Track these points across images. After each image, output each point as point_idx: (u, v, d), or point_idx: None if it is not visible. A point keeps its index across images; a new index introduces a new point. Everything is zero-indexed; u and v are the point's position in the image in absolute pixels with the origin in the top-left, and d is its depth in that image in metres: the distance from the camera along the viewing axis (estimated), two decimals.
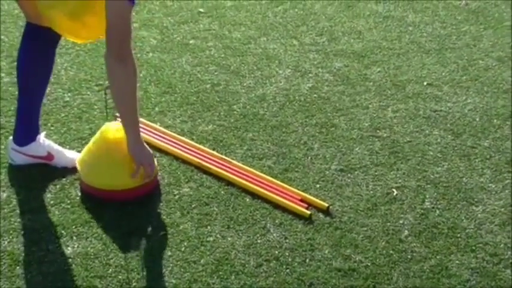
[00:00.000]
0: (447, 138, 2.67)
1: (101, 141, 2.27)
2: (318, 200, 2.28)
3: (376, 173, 2.46)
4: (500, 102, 2.94)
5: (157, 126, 2.66)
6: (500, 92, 3.03)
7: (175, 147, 2.51)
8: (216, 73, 3.13)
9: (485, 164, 2.51)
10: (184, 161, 2.47)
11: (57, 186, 2.33)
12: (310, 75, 3.14)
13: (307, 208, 2.24)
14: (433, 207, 2.28)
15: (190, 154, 2.48)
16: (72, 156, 2.40)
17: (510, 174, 2.45)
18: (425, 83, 3.10)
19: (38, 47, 2.21)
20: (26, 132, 2.30)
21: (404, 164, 2.52)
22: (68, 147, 2.51)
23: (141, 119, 2.69)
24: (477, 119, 2.81)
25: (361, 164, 2.51)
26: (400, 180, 2.43)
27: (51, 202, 2.26)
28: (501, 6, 3.98)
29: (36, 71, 2.23)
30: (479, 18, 3.81)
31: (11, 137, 2.36)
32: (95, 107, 2.79)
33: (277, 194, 2.29)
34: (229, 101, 2.90)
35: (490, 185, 2.39)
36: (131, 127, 2.14)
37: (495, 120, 2.80)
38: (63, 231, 2.15)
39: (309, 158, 2.53)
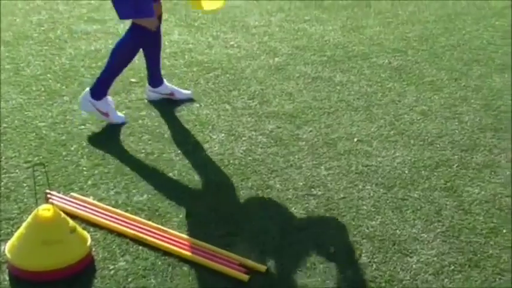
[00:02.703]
0: (379, 192, 2.74)
1: (31, 222, 2.20)
2: (256, 264, 2.26)
3: (313, 232, 2.48)
4: (427, 154, 3.06)
5: (89, 200, 2.61)
6: (426, 144, 3.16)
7: (109, 220, 2.46)
8: (149, 142, 3.12)
9: (416, 214, 2.58)
10: (119, 234, 2.42)
11: None
12: (243, 138, 3.19)
13: (246, 272, 2.22)
14: (369, 262, 2.30)
15: (125, 226, 2.43)
16: (121, 115, 3.30)
17: (440, 223, 2.52)
18: (355, 140, 3.19)
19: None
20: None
21: (340, 220, 2.55)
22: None
23: (72, 194, 2.65)
24: (406, 172, 2.90)
25: (299, 224, 2.52)
26: (337, 237, 2.45)
27: None
28: (421, 64, 4.21)
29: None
30: (402, 76, 4.01)
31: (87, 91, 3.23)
32: (24, 185, 2.72)
33: (215, 261, 2.27)
34: (164, 169, 2.89)
35: (422, 235, 2.45)
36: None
37: (423, 172, 2.90)
38: None
39: (248, 221, 2.53)
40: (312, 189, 2.76)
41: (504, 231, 2.48)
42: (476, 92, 3.78)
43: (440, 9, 5.44)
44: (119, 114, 3.30)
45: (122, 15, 3.09)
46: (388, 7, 5.47)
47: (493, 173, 2.90)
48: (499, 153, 3.07)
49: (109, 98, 3.27)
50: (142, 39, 3.20)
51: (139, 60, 4.10)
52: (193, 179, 2.82)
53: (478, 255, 2.33)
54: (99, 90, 3.21)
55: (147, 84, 3.57)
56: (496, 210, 2.61)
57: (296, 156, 3.03)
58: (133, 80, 3.82)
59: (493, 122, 3.41)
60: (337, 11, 5.33)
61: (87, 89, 3.24)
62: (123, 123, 3.26)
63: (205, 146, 3.10)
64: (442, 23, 5.08)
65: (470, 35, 4.80)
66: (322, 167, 2.93)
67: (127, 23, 4.78)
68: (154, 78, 3.53)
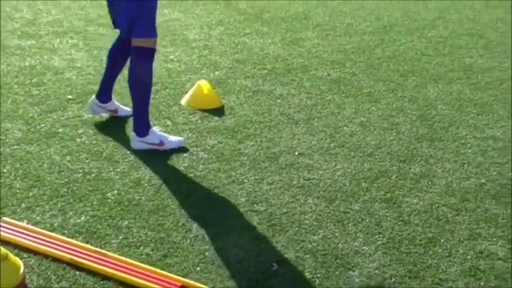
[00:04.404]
0: (321, 206, 2.75)
1: None
2: (198, 284, 2.22)
3: (256, 248, 2.46)
4: (366, 165, 3.11)
5: (23, 224, 2.50)
6: (365, 155, 3.21)
7: (44, 245, 2.36)
8: (87, 161, 3.03)
9: (357, 227, 2.61)
10: (55, 259, 2.32)
11: None
12: (184, 154, 3.14)
13: None
14: (312, 277, 2.31)
15: (61, 251, 2.34)
16: (177, 138, 3.23)
17: (381, 235, 2.56)
18: (296, 153, 3.21)
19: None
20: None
21: (283, 235, 2.55)
22: None
23: (4, 218, 2.53)
24: (347, 184, 2.93)
25: (241, 241, 2.50)
26: (280, 253, 2.44)
27: None
28: (359, 75, 4.29)
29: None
30: (340, 88, 4.07)
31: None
32: None
33: (156, 283, 2.21)
34: (103, 188, 2.81)
35: (363, 247, 2.47)
36: None
37: (363, 184, 2.94)
38: None
39: (188, 240, 2.49)
40: (255, 205, 2.74)
41: (442, 240, 2.54)
42: (412, 103, 3.88)
43: (376, 21, 5.58)
44: (174, 138, 3.21)
45: (139, 35, 3.02)
46: (326, 19, 5.56)
47: (430, 182, 2.97)
48: (435, 163, 3.15)
49: (154, 128, 3.21)
50: (148, 58, 3.09)
51: (76, 76, 4.01)
52: (133, 198, 2.75)
53: (418, 266, 2.37)
54: (141, 127, 3.13)
55: (93, 97, 3.45)
56: (434, 220, 2.67)
57: (238, 172, 3.01)
58: (69, 96, 3.72)
59: (429, 132, 3.50)
60: (277, 24, 5.37)
61: (133, 132, 3.16)
62: (181, 147, 3.18)
63: (146, 163, 3.04)
64: (378, 35, 5.20)
65: (405, 47, 4.94)
66: (264, 182, 2.93)
67: (62, 38, 4.66)
68: (107, 93, 3.42)
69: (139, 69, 3.08)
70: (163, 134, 3.22)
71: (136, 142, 3.15)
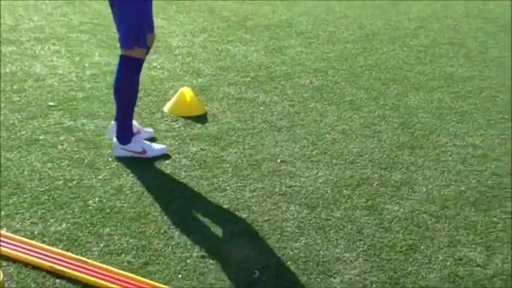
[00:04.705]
0: (303, 213, 2.77)
1: None
2: None
3: (238, 256, 2.46)
4: (348, 173, 3.13)
5: (2, 232, 2.48)
6: (347, 163, 3.23)
7: (24, 253, 2.34)
8: (68, 168, 3.01)
9: (339, 234, 2.62)
10: (35, 267, 2.30)
11: None
12: (167, 161, 3.14)
13: None
14: (294, 285, 2.31)
15: (41, 258, 2.32)
16: (160, 146, 3.20)
17: (362, 242, 2.57)
18: (279, 160, 3.22)
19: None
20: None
21: (265, 243, 2.55)
22: None
23: None
24: (329, 191, 2.95)
25: (223, 248, 2.50)
26: (262, 260, 2.45)
27: None
28: (341, 83, 4.32)
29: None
30: (323, 95, 4.09)
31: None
32: None
33: None
34: (84, 196, 2.80)
35: (345, 254, 2.49)
36: None
37: (345, 191, 2.96)
38: None
39: (170, 247, 2.48)
40: (237, 212, 2.75)
41: (422, 247, 2.56)
42: (393, 111, 3.92)
43: (358, 30, 5.63)
44: (157, 146, 3.19)
45: (126, 46, 2.99)
46: (309, 27, 5.60)
47: (410, 190, 3.00)
48: (415, 171, 3.19)
49: (138, 133, 3.18)
50: (135, 68, 3.06)
51: (57, 83, 3.99)
52: (114, 205, 2.74)
53: (398, 273, 2.40)
54: (123, 135, 3.10)
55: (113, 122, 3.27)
56: (414, 227, 2.70)
57: (220, 179, 3.01)
58: (51, 103, 3.69)
59: (410, 139, 3.54)
60: (260, 31, 5.40)
61: (114, 138, 3.12)
62: (164, 154, 3.16)
63: (128, 170, 3.03)
64: (361, 43, 5.25)
65: (386, 55, 4.99)
66: (247, 189, 2.93)
67: (43, 44, 4.64)
68: None
69: (124, 79, 3.06)
70: (146, 142, 3.21)
71: (118, 149, 3.13)
